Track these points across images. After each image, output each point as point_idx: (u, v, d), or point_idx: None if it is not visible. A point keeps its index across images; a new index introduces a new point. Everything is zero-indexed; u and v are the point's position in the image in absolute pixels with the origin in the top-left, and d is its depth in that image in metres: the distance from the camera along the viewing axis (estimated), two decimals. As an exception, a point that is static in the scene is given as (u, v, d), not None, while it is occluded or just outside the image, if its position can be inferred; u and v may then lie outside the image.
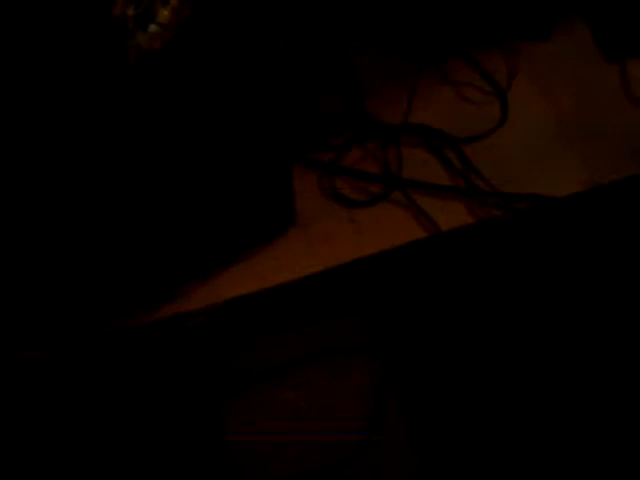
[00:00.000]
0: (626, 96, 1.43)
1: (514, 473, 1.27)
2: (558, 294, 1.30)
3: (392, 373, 1.27)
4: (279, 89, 1.06)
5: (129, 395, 1.33)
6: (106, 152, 0.97)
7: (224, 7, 0.96)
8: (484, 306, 1.31)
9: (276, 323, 1.38)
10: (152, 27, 0.88)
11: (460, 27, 1.51)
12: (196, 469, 1.30)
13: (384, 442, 1.26)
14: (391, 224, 1.33)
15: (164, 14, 0.89)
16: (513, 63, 1.48)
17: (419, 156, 1.39)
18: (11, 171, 0.90)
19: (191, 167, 1.06)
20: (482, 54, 1.49)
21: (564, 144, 1.39)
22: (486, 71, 1.47)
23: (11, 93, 0.82)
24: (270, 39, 0.99)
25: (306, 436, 1.29)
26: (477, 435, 1.28)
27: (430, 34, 1.50)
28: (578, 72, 1.46)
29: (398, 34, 1.50)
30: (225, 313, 1.26)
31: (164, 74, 0.93)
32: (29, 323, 1.14)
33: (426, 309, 1.33)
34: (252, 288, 1.27)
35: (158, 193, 1.08)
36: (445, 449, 1.28)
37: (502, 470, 1.27)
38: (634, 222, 1.32)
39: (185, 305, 1.24)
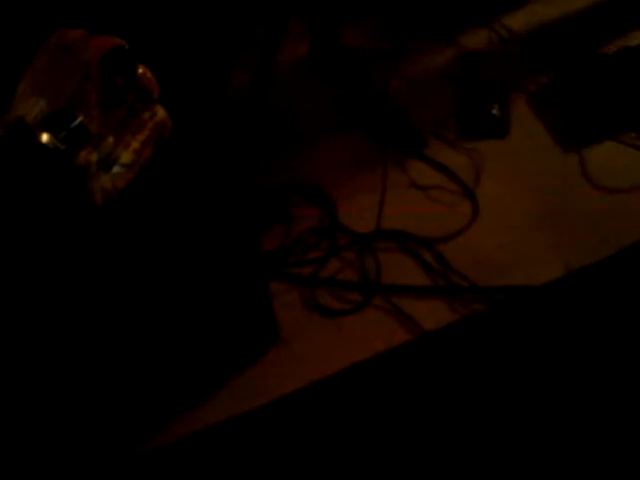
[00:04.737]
0: (587, 182, 1.48)
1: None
2: (547, 383, 1.28)
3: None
4: (245, 213, 1.11)
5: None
6: (86, 295, 1.00)
7: (186, 145, 1.03)
8: (477, 402, 1.29)
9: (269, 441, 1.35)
10: (116, 168, 0.94)
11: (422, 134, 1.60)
12: None
13: None
14: (375, 330, 1.34)
15: (126, 156, 0.95)
16: (478, 162, 1.55)
17: (396, 260, 1.42)
18: None
19: (166, 297, 1.09)
20: (446, 156, 1.56)
21: (535, 233, 1.42)
22: (453, 172, 1.54)
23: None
24: (230, 169, 1.05)
25: None
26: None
27: (392, 135, 1.59)
28: (539, 164, 1.52)
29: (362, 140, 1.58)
30: (216, 436, 1.25)
31: (133, 210, 0.99)
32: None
33: (420, 410, 1.31)
34: (242, 409, 1.26)
35: (137, 328, 1.10)
36: None
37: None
38: (610, 304, 1.33)
39: (180, 430, 1.24)
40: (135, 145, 0.96)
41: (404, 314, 1.34)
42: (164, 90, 1.01)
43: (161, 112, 1.00)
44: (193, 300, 1.14)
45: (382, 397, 1.31)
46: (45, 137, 0.88)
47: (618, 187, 1.46)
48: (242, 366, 1.29)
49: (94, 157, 0.92)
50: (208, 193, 1.04)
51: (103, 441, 1.20)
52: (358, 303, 1.37)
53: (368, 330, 1.34)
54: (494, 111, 1.60)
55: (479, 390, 1.30)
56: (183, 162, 1.02)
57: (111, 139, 0.94)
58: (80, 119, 0.91)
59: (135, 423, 1.22)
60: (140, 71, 0.96)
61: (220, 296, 1.17)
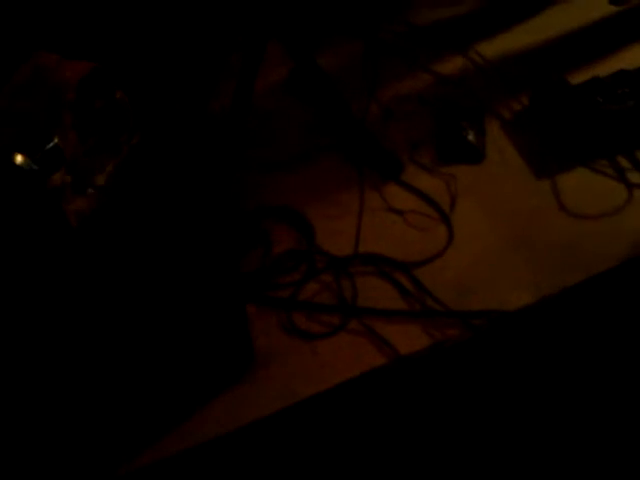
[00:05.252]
0: (559, 208, 1.51)
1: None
2: (524, 411, 1.30)
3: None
4: (222, 236, 1.12)
5: None
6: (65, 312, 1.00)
7: (163, 168, 1.03)
8: (452, 427, 1.30)
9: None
10: (90, 191, 0.94)
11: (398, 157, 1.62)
12: None
13: None
14: (351, 353, 1.34)
15: (101, 179, 0.95)
16: (453, 187, 1.57)
17: (372, 284, 1.43)
18: None
19: (139, 319, 1.08)
20: (422, 181, 1.58)
21: (509, 258, 1.44)
22: (429, 197, 1.55)
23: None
24: (207, 191, 1.05)
25: None
26: None
27: (369, 159, 1.60)
28: (513, 189, 1.55)
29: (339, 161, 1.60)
30: (199, 456, 1.24)
31: (108, 232, 0.99)
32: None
33: (396, 433, 1.31)
34: (216, 433, 1.25)
35: (112, 349, 1.09)
36: None
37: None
38: (582, 329, 1.35)
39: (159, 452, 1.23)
40: (110, 168, 0.96)
41: (380, 338, 1.34)
42: (142, 114, 1.02)
43: (138, 136, 1.00)
44: (167, 322, 1.13)
45: (357, 420, 1.31)
46: (19, 158, 0.88)
47: (589, 214, 1.49)
48: (218, 389, 1.28)
49: (69, 179, 0.92)
50: (185, 216, 1.04)
51: (79, 462, 1.19)
52: (334, 326, 1.37)
53: (344, 353, 1.34)
54: (470, 137, 1.62)
55: (452, 414, 1.30)
56: (160, 184, 1.03)
57: (86, 161, 0.94)
58: (55, 141, 0.91)
59: (107, 445, 1.21)
60: (117, 95, 0.96)
61: (195, 319, 1.17)
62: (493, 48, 1.84)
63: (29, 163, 0.88)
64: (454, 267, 1.44)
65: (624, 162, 1.55)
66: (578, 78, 1.65)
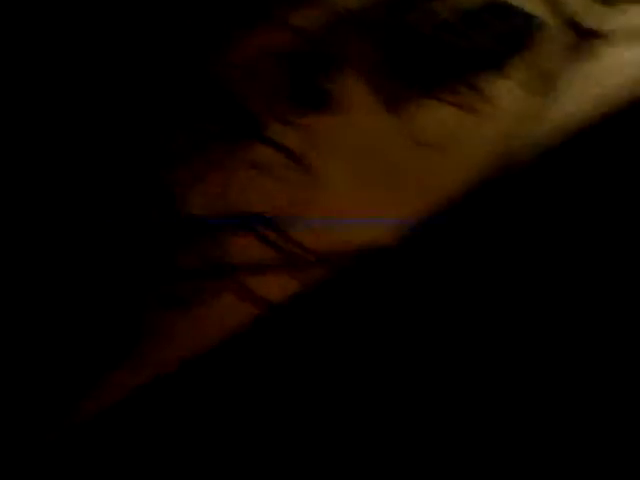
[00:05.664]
0: (412, 142, 1.56)
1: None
2: (400, 351, 1.37)
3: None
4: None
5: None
6: None
7: None
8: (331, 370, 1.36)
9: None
10: None
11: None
12: None
13: None
14: (229, 312, 1.38)
15: None
16: (313, 137, 1.60)
17: (241, 241, 1.46)
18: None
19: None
20: (282, 134, 1.61)
21: (370, 197, 1.50)
22: (285, 147, 1.58)
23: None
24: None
25: None
26: None
27: (227, 120, 1.62)
28: (368, 131, 1.59)
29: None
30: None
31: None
32: None
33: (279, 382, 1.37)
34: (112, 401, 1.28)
35: None
36: None
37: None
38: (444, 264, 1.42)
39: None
40: None
41: (253, 292, 1.38)
42: None
43: None
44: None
45: (242, 376, 1.36)
46: None
47: (439, 143, 1.55)
48: (102, 367, 1.30)
49: None
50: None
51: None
52: (208, 290, 1.40)
53: (222, 313, 1.37)
54: (324, 85, 1.65)
55: (329, 358, 1.37)
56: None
57: None
58: None
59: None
60: None
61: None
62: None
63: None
64: (318, 213, 1.48)
65: (463, 89, 1.62)
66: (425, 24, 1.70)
